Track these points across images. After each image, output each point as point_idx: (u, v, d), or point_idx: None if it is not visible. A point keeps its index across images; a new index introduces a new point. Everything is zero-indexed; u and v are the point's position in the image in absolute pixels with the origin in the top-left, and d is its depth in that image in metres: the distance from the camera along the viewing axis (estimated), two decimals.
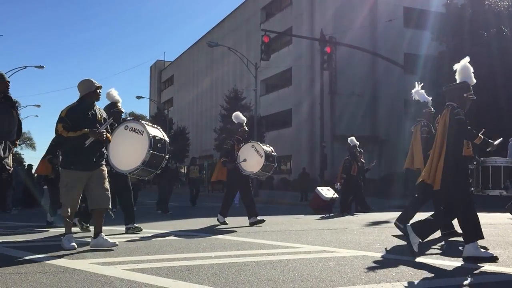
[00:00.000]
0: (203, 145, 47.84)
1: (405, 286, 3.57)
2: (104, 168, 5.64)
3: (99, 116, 5.58)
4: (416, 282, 3.72)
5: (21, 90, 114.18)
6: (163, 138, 6.30)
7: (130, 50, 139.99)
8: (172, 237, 6.64)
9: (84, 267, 4.25)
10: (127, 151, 6.24)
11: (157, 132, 6.33)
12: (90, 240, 5.61)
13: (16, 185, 14.18)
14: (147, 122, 6.41)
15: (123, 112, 7.22)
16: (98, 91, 5.54)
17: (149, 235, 6.89)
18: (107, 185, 5.56)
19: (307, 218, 10.99)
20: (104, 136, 5.43)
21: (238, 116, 9.32)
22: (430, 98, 7.87)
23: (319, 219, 10.70)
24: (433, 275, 4.01)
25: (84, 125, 5.31)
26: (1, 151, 5.17)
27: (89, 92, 5.47)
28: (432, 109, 7.72)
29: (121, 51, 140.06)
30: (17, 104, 5.43)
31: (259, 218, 8.68)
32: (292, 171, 33.59)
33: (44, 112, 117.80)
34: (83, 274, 3.95)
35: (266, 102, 36.48)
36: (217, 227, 8.26)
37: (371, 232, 7.52)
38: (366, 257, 4.93)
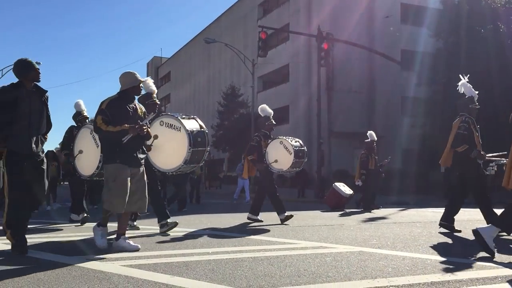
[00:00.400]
0: None
1: (401, 282, 3.60)
2: (143, 168, 5.28)
3: (139, 111, 5.27)
4: (412, 277, 3.74)
5: None
6: (202, 129, 5.98)
7: (127, 46, 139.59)
8: (171, 234, 6.64)
9: (82, 263, 4.26)
10: (166, 149, 5.94)
11: (194, 124, 5.99)
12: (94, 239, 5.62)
13: None
14: (182, 115, 6.12)
15: (158, 104, 6.71)
16: (140, 85, 5.29)
17: (148, 232, 6.90)
18: (145, 188, 5.23)
19: (304, 214, 11.01)
20: (145, 130, 5.10)
21: (265, 109, 8.71)
22: (477, 93, 7.38)
23: (340, 216, 10.44)
24: (429, 270, 4.04)
25: (124, 120, 4.99)
26: (33, 145, 4.82)
27: (133, 86, 5.15)
28: (478, 105, 7.24)
29: (118, 47, 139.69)
30: (46, 94, 5.00)
31: (287, 214, 8.44)
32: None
33: None
34: (81, 270, 3.97)
35: (263, 98, 36.37)
36: (249, 226, 8.07)
37: (367, 228, 7.56)
38: (363, 252, 4.95)
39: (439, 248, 5.32)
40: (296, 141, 8.65)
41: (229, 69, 42.90)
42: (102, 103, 5.07)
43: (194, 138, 5.78)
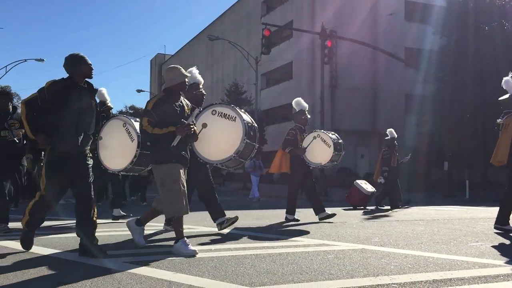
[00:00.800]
0: None
1: (403, 279, 3.60)
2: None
3: (186, 108, 4.94)
4: (414, 275, 3.75)
5: (21, 83, 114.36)
6: (254, 124, 5.74)
7: (130, 43, 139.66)
8: (173, 231, 6.66)
9: (86, 259, 4.29)
10: (216, 139, 5.62)
11: (247, 117, 5.73)
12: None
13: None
14: (234, 106, 5.83)
15: (205, 95, 6.31)
16: (186, 80, 4.95)
17: (151, 229, 6.92)
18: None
19: (307, 211, 11.02)
20: (192, 130, 4.80)
21: (300, 102, 8.37)
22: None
23: (363, 214, 10.31)
24: (431, 268, 4.04)
25: (172, 120, 4.68)
26: (80, 145, 4.52)
27: (179, 82, 4.83)
28: None
29: (121, 44, 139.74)
30: (96, 89, 4.74)
31: (329, 212, 8.19)
32: (262, 167, 33.61)
33: None
34: (85, 267, 3.99)
35: (267, 96, 36.45)
36: (288, 226, 7.98)
37: (370, 226, 7.56)
38: (365, 250, 4.96)
39: (441, 246, 5.32)
40: (332, 134, 8.37)
41: (232, 66, 42.89)
42: (148, 103, 4.79)
43: (248, 130, 5.51)
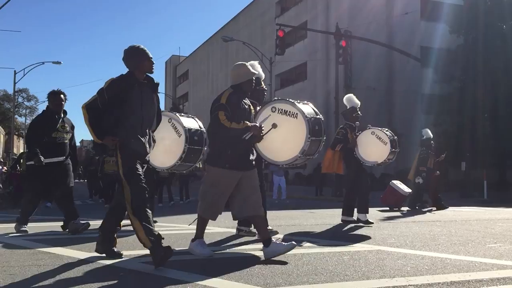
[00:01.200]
0: None
1: (420, 281, 3.56)
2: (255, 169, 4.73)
3: (251, 107, 4.76)
4: (432, 277, 3.70)
5: (39, 86, 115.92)
6: (318, 116, 5.37)
7: (145, 45, 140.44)
8: (188, 231, 6.68)
9: (100, 259, 4.32)
10: (279, 139, 5.28)
11: (310, 109, 5.38)
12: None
13: None
14: (293, 100, 5.50)
15: (266, 91, 6.01)
16: (254, 78, 4.77)
17: (167, 229, 6.95)
18: (259, 188, 4.77)
19: (322, 212, 10.98)
20: (262, 132, 4.59)
21: (351, 99, 8.00)
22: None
23: (401, 215, 10.07)
24: (449, 270, 3.99)
25: (243, 117, 4.51)
26: (147, 146, 4.33)
27: (247, 80, 4.65)
28: None
29: None
30: (158, 83, 4.47)
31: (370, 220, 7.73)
32: (306, 166, 33.51)
33: None
34: (99, 266, 4.02)
35: (281, 96, 36.33)
36: (303, 227, 7.82)
37: (386, 227, 7.49)
38: (381, 251, 4.91)
39: (459, 247, 5.26)
40: (387, 130, 7.93)
41: None
42: (221, 97, 4.55)
43: (313, 125, 5.14)
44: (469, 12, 23.41)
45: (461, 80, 23.99)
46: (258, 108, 5.46)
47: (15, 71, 33.85)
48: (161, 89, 67.94)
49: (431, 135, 12.12)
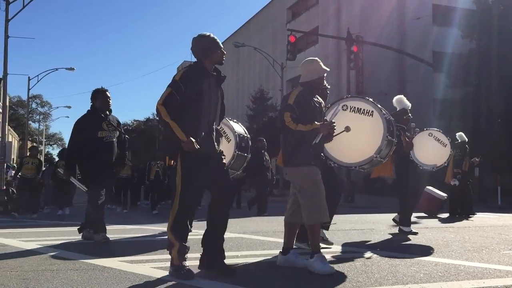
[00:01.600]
0: None
1: None
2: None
3: (322, 104, 4.49)
4: (445, 283, 3.66)
5: (52, 92, 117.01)
6: (391, 118, 5.07)
7: (157, 50, 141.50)
8: (196, 236, 6.68)
9: (114, 264, 4.34)
10: (350, 139, 4.86)
11: (384, 110, 5.09)
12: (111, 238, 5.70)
13: (47, 184, 14.48)
14: (368, 98, 5.18)
15: (328, 89, 5.36)
16: (325, 75, 4.47)
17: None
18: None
19: (334, 218, 10.90)
20: (334, 130, 4.30)
21: (401, 100, 7.40)
22: None
23: (440, 221, 9.86)
24: (462, 277, 3.94)
25: (311, 117, 4.21)
26: (215, 144, 3.95)
27: (319, 77, 4.38)
28: None
29: (149, 51, 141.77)
30: (224, 76, 4.13)
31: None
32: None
33: (74, 113, 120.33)
34: (112, 272, 4.04)
35: None
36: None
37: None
38: (393, 257, 4.88)
39: (472, 254, 5.20)
40: (441, 131, 7.53)
41: (258, 72, 43.01)
42: (288, 97, 4.29)
43: (389, 126, 4.84)
44: (481, 16, 23.26)
45: (474, 85, 23.79)
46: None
47: (29, 77, 34.23)
48: None
49: (466, 139, 11.85)
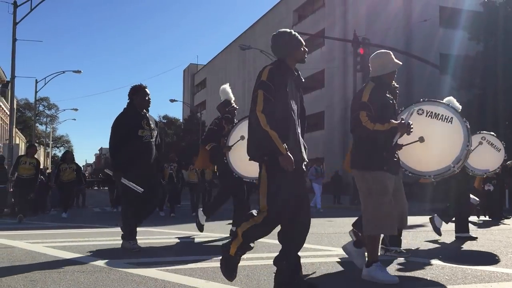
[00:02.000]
0: None
1: None
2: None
3: (394, 101, 4.20)
4: (452, 287, 3.65)
5: (60, 94, 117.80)
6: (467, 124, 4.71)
7: (164, 54, 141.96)
8: (205, 239, 6.69)
9: (120, 267, 4.35)
10: (425, 146, 4.60)
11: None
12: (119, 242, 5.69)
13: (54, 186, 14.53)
14: (447, 103, 4.90)
15: (398, 88, 4.71)
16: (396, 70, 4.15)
17: (187, 237, 6.97)
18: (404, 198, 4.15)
19: (340, 221, 10.90)
20: (411, 130, 4.00)
21: (452, 101, 6.48)
22: None
23: (477, 228, 9.54)
24: (469, 280, 3.92)
25: (386, 115, 3.95)
26: (303, 151, 3.51)
27: (391, 72, 4.11)
28: None
29: (155, 55, 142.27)
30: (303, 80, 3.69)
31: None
32: (324, 174, 33.39)
33: (81, 116, 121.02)
34: (119, 274, 4.05)
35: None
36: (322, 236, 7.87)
37: (405, 236, 7.37)
38: (400, 260, 4.86)
39: (480, 257, 5.17)
40: (495, 135, 7.19)
41: None
42: (361, 94, 4.02)
43: (468, 133, 4.55)
44: (488, 18, 23.18)
45: (481, 87, 23.71)
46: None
47: (36, 80, 34.43)
48: (179, 97, 68.26)
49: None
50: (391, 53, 4.17)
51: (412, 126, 3.97)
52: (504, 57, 21.43)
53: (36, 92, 35.40)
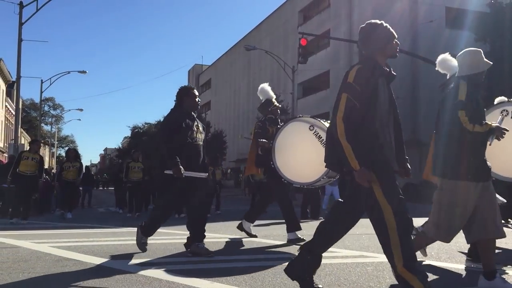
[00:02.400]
0: (240, 149, 48.12)
1: None
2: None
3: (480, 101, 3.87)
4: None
5: (65, 95, 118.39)
6: None
7: (168, 54, 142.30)
8: (210, 240, 6.67)
9: (124, 267, 4.35)
10: (503, 150, 4.38)
11: None
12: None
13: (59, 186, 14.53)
14: None
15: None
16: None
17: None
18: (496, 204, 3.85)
19: None
20: (504, 135, 3.68)
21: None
22: None
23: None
24: (476, 283, 3.89)
25: (480, 117, 3.71)
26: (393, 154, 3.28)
27: (481, 72, 3.87)
28: None
29: (160, 56, 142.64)
30: (395, 75, 3.38)
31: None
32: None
33: (86, 116, 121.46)
34: (123, 274, 4.04)
35: (303, 105, 36.35)
36: None
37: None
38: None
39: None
40: None
41: (269, 75, 43.03)
42: (456, 93, 3.71)
43: None
44: (495, 19, 23.07)
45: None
46: None
47: (41, 80, 34.61)
48: None
49: None
50: (481, 51, 3.93)
51: (506, 130, 3.66)
52: (511, 57, 21.31)
53: (41, 92, 35.60)
